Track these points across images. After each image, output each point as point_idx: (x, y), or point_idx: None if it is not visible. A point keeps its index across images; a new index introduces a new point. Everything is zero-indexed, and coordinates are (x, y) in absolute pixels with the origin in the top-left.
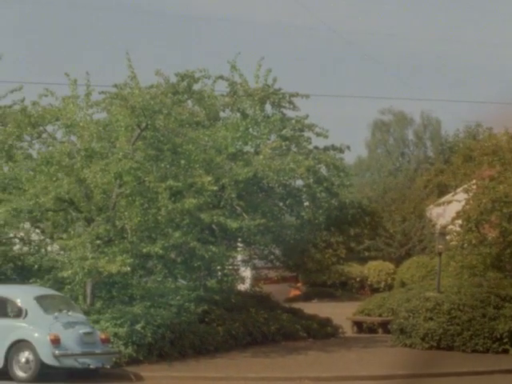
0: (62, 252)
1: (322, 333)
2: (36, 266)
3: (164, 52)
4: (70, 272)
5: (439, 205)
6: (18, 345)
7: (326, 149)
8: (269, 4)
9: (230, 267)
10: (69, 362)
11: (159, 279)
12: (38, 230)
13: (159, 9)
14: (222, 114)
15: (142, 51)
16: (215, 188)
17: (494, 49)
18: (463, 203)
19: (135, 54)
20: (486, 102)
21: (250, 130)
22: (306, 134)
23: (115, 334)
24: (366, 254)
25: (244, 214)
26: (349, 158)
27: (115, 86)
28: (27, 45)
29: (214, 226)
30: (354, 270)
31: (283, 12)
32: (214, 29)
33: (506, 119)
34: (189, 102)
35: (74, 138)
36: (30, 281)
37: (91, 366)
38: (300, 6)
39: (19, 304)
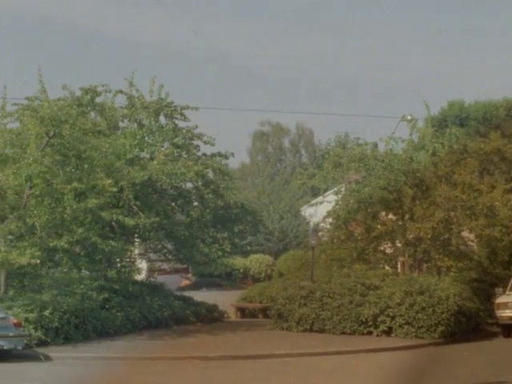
0: None
1: (210, 318)
2: None
3: (70, 68)
4: None
5: (312, 205)
6: None
7: (212, 155)
8: (160, 27)
9: (128, 260)
10: None
11: (65, 270)
12: None
13: (69, 28)
14: (121, 124)
15: (50, 67)
16: (115, 189)
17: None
18: (333, 204)
19: (45, 70)
20: (355, 115)
21: (146, 138)
22: (196, 142)
23: (26, 319)
24: (249, 248)
25: (140, 213)
26: (233, 164)
27: (27, 98)
28: None
29: (113, 223)
30: (238, 262)
31: (175, 35)
32: (113, 48)
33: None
34: (92, 113)
35: None
36: None
37: (5, 347)
38: (192, 32)
39: None
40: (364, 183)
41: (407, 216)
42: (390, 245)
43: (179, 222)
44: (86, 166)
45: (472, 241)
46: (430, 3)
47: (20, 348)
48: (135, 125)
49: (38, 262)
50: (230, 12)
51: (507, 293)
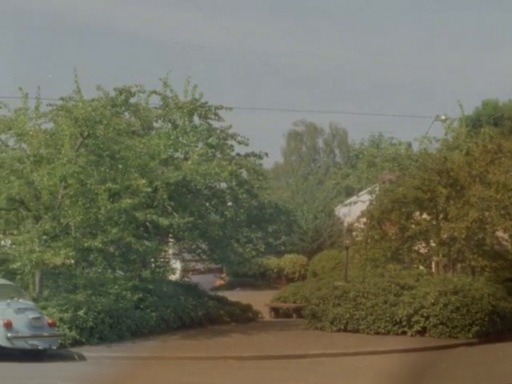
0: (13, 246)
1: (244, 318)
2: None
3: (105, 69)
4: (19, 264)
5: (346, 205)
6: None
7: (246, 155)
8: (193, 26)
9: (162, 260)
10: (20, 344)
11: (99, 270)
12: None
13: (103, 30)
14: (155, 125)
15: (85, 68)
16: (149, 190)
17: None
18: (367, 203)
19: (79, 71)
20: (390, 115)
21: (180, 138)
22: (230, 142)
23: (61, 319)
24: (283, 248)
25: (174, 213)
26: (267, 164)
27: (61, 98)
28: None
29: (147, 224)
30: (272, 262)
31: (208, 35)
32: (148, 49)
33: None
34: (126, 113)
35: (24, 145)
36: None
37: (39, 347)
38: (225, 30)
39: None
40: (398, 183)
41: (441, 216)
42: (424, 245)
43: (213, 221)
44: (120, 166)
45: (506, 240)
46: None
47: (54, 348)
48: (169, 125)
49: (73, 262)
50: (265, 10)
51: None
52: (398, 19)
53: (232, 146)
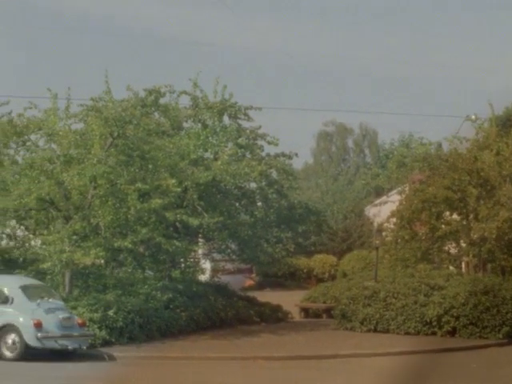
0: (43, 246)
1: (274, 318)
2: (21, 259)
3: (134, 69)
4: (49, 264)
5: (376, 205)
6: (5, 328)
7: (276, 155)
8: (222, 27)
9: (192, 260)
10: (50, 344)
11: (129, 270)
12: (22, 227)
13: (132, 32)
14: (185, 125)
15: (114, 68)
16: (179, 190)
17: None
18: (397, 204)
19: (109, 71)
20: (419, 114)
21: (210, 138)
22: (259, 142)
23: (90, 319)
24: (312, 248)
25: (204, 213)
26: (297, 164)
27: (92, 99)
28: (14, 61)
29: (177, 224)
30: (302, 262)
31: (237, 35)
32: (177, 50)
33: (438, 130)
34: (155, 113)
35: (54, 146)
36: (16, 272)
37: (69, 347)
38: (256, 31)
39: (6, 292)
40: (428, 183)
41: (472, 216)
42: (454, 245)
43: (243, 221)
44: (150, 166)
45: None
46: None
47: (84, 348)
48: (199, 125)
49: (103, 262)
50: (293, 10)
51: None
52: (425, 18)
53: (262, 146)
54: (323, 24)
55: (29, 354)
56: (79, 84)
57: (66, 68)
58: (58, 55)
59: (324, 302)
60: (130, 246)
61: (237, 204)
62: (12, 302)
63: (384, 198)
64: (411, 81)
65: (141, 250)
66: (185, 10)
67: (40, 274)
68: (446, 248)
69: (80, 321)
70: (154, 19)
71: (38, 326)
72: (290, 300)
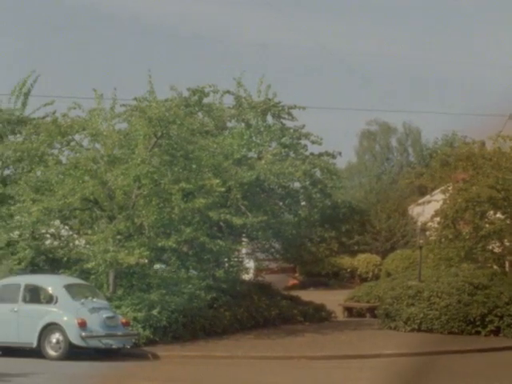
0: (87, 246)
1: (317, 317)
2: (65, 259)
3: (177, 69)
4: (93, 263)
5: (419, 204)
6: (50, 327)
7: (320, 155)
8: (266, 26)
9: (236, 259)
10: (94, 343)
11: (173, 270)
12: (66, 227)
13: (173, 31)
14: (228, 124)
15: (157, 68)
16: (222, 189)
17: (467, 65)
18: (441, 203)
19: (152, 71)
20: (463, 113)
21: (254, 138)
22: (303, 141)
23: (134, 318)
24: (356, 247)
25: (248, 213)
26: (340, 163)
27: (135, 99)
28: (57, 62)
29: (221, 223)
30: (345, 261)
31: (275, 34)
32: (219, 49)
33: (482, 129)
34: (199, 113)
35: (98, 146)
36: (60, 271)
37: (113, 346)
38: (298, 29)
39: (50, 291)
40: (472, 182)
41: None
42: (498, 244)
43: (287, 221)
44: (193, 166)
45: None
46: None
47: (128, 347)
48: (243, 125)
49: (146, 261)
50: (340, 9)
51: None
52: (466, 18)
53: (305, 145)
54: (362, 22)
55: (73, 353)
56: (122, 84)
57: (110, 68)
58: (103, 55)
59: (367, 302)
60: (173, 245)
61: (280, 203)
62: (56, 302)
63: (428, 197)
64: (455, 79)
65: (185, 249)
66: (228, 10)
67: (84, 274)
68: (490, 247)
69: (124, 320)
70: (196, 19)
71: (82, 325)
72: (333, 299)
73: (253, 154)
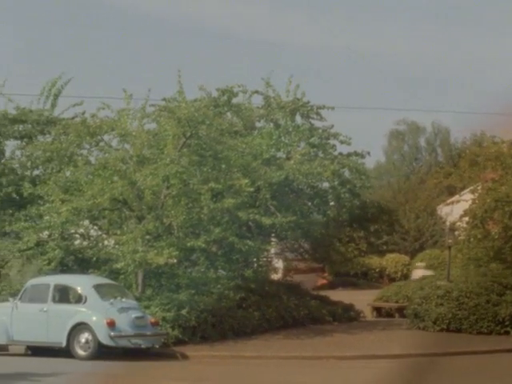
0: (116, 246)
1: (346, 317)
2: (94, 259)
3: (206, 69)
4: (122, 264)
5: (448, 204)
6: (79, 327)
7: (349, 155)
8: (296, 28)
9: (265, 259)
10: (123, 343)
11: (202, 270)
12: (95, 227)
13: (201, 32)
14: (257, 124)
15: (186, 68)
16: (251, 189)
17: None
18: (469, 202)
19: (182, 71)
20: (493, 113)
21: (282, 138)
22: (332, 141)
23: (163, 318)
24: (384, 247)
25: (277, 213)
26: (369, 163)
27: (164, 99)
28: (85, 64)
29: (250, 223)
30: (374, 261)
31: (304, 34)
32: (246, 49)
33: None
34: (228, 113)
35: (127, 146)
36: (89, 271)
37: (142, 346)
38: (327, 30)
39: (79, 291)
40: (501, 182)
41: None
42: None
43: (316, 221)
44: (222, 166)
45: None
46: None
47: (157, 347)
48: (271, 125)
49: (175, 261)
50: (365, 10)
51: None
52: (496, 20)
53: (334, 145)
54: (396, 22)
55: (102, 352)
56: (152, 84)
57: (139, 69)
58: (132, 55)
59: (396, 302)
60: (202, 245)
61: (309, 203)
62: (85, 302)
63: (456, 196)
64: (483, 79)
65: (214, 249)
66: (256, 10)
67: (113, 274)
68: None
69: (153, 320)
70: (226, 19)
71: (111, 324)
72: (362, 299)
73: (281, 154)
